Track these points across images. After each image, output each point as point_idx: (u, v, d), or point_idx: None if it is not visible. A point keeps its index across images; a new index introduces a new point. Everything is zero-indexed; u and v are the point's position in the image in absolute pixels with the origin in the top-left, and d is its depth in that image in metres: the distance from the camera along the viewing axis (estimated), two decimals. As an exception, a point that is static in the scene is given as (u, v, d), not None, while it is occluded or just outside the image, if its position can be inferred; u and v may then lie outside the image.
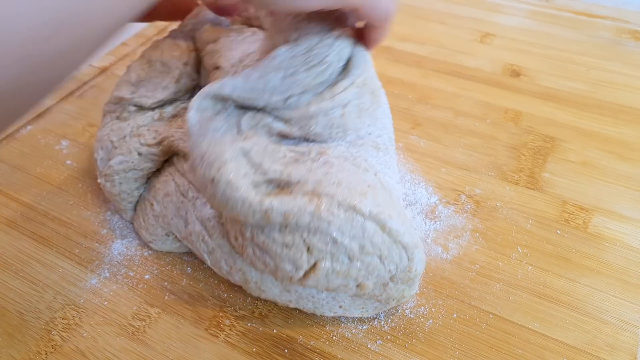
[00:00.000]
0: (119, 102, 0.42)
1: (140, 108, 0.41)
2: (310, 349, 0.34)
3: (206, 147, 0.31)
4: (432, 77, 0.59)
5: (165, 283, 0.39)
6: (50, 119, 0.54)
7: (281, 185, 0.31)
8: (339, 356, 0.34)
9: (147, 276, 0.39)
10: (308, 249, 0.30)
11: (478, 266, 0.39)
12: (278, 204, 0.29)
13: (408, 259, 0.32)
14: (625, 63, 0.60)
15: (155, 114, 0.41)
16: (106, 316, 0.37)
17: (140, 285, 0.39)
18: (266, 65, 0.32)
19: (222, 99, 0.33)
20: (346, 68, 0.34)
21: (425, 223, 0.42)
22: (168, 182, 0.39)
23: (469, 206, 0.44)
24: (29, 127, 0.53)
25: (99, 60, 0.63)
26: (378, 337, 0.35)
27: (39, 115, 0.54)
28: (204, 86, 0.41)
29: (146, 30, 0.69)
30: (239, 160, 0.31)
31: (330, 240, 0.30)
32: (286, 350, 0.34)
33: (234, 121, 0.33)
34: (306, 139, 0.34)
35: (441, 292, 0.38)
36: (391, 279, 0.32)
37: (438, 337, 0.35)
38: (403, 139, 0.50)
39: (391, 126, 0.38)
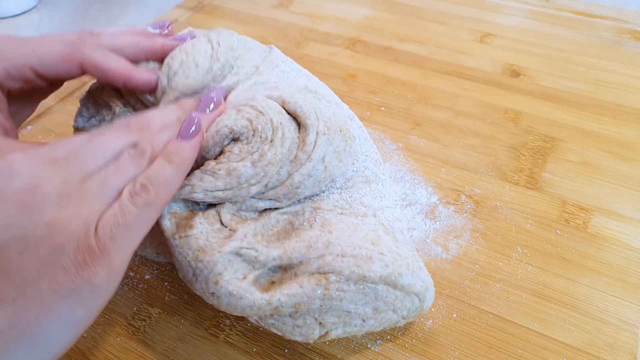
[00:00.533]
0: (76, 132, 0.41)
1: None
2: (310, 349, 0.34)
3: (194, 260, 0.29)
4: (432, 77, 0.59)
5: (165, 283, 0.39)
6: (51, 119, 0.54)
7: (283, 267, 0.30)
8: (339, 356, 0.34)
9: (147, 276, 0.39)
10: (320, 324, 0.30)
11: (478, 266, 0.39)
12: (286, 299, 0.28)
13: (420, 301, 0.32)
14: (625, 63, 0.60)
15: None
16: (106, 316, 0.37)
17: (140, 285, 0.39)
18: (227, 159, 0.29)
19: (193, 201, 0.30)
20: (299, 122, 0.31)
21: (425, 223, 0.42)
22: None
23: (469, 206, 0.44)
24: (29, 128, 0.53)
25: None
26: (378, 337, 0.35)
27: (39, 115, 0.54)
28: None
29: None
30: (233, 264, 0.29)
31: (342, 312, 0.30)
32: (286, 350, 0.34)
33: (212, 215, 0.30)
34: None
35: (441, 292, 0.38)
36: (403, 318, 0.32)
37: (438, 337, 0.35)
38: (403, 139, 0.51)
39: (372, 146, 0.37)
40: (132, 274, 0.39)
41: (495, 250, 0.40)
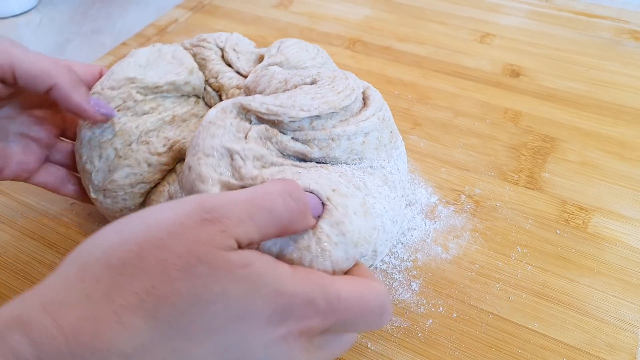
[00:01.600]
0: (123, 85, 0.36)
1: (143, 110, 0.37)
2: (310, 349, 0.34)
3: (203, 138, 0.31)
4: (432, 77, 0.59)
5: (165, 283, 0.39)
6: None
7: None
8: (339, 356, 0.34)
9: (147, 276, 0.39)
10: None
11: (478, 266, 0.39)
12: None
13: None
14: (625, 63, 0.60)
15: (167, 116, 0.38)
16: (106, 316, 0.37)
17: (140, 285, 0.38)
18: (294, 90, 0.34)
19: (247, 111, 0.33)
20: (365, 102, 0.35)
21: (425, 223, 0.42)
22: (163, 193, 0.37)
23: (469, 206, 0.44)
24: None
25: (98, 60, 0.63)
26: (378, 337, 0.35)
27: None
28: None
29: (146, 30, 0.69)
30: (221, 159, 0.30)
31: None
32: (286, 350, 0.34)
33: (244, 126, 0.32)
34: (319, 162, 0.33)
35: (441, 292, 0.37)
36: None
37: (438, 337, 0.35)
38: (403, 139, 0.50)
39: (406, 172, 0.37)
40: (131, 274, 0.39)
41: (495, 250, 0.40)
